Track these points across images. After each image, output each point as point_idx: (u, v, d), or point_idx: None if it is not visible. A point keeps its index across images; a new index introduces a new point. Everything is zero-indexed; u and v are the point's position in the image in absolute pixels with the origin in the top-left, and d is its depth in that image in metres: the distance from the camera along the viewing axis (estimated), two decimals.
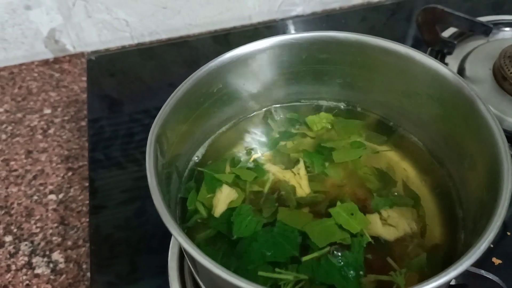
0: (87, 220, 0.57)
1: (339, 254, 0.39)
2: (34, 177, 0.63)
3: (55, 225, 0.57)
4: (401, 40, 0.44)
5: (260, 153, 0.48)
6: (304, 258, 0.39)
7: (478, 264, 0.31)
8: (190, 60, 0.77)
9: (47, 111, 0.71)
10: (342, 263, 0.38)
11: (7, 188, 0.62)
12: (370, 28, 0.82)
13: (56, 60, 0.80)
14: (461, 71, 0.63)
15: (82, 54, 0.80)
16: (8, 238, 0.57)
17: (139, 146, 0.63)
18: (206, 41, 0.81)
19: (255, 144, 0.49)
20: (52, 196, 0.60)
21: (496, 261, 0.48)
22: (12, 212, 0.59)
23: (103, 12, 0.77)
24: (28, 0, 0.72)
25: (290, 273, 0.38)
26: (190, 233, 0.42)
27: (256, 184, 0.45)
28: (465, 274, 0.32)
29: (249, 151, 0.48)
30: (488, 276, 0.37)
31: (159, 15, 0.79)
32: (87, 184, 0.61)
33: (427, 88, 0.43)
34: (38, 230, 0.57)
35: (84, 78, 0.76)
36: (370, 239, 0.39)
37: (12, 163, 0.65)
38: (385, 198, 0.43)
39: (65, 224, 0.57)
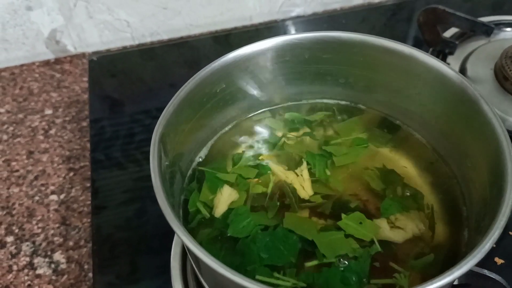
0: (89, 220, 0.57)
1: (346, 262, 0.38)
2: (36, 178, 0.63)
3: (57, 225, 0.57)
4: (402, 40, 0.44)
5: (263, 153, 0.48)
6: (307, 264, 0.38)
7: (480, 264, 0.31)
8: (191, 61, 0.77)
9: (48, 111, 0.71)
10: (345, 270, 0.38)
11: (8, 188, 0.62)
12: (371, 29, 0.82)
13: (57, 61, 0.80)
14: (462, 71, 0.64)
15: (83, 55, 0.80)
16: (10, 239, 0.56)
17: (140, 146, 0.63)
18: (207, 41, 0.81)
19: (258, 144, 0.49)
20: (54, 197, 0.60)
21: (499, 260, 0.48)
22: (14, 212, 0.59)
23: (104, 12, 0.77)
24: (29, 0, 0.72)
25: (289, 279, 0.37)
26: (192, 233, 0.42)
27: (259, 184, 0.45)
28: (469, 273, 0.32)
29: (251, 151, 0.48)
30: (491, 276, 0.37)
31: (160, 16, 0.79)
32: (88, 184, 0.61)
33: (430, 88, 0.43)
34: (39, 230, 0.57)
35: (85, 79, 0.76)
36: (379, 249, 0.39)
37: (13, 163, 0.64)
38: (394, 202, 0.42)
39: (67, 224, 0.57)
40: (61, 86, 0.75)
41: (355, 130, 0.49)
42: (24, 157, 0.65)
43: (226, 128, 0.50)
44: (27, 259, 0.54)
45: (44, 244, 0.56)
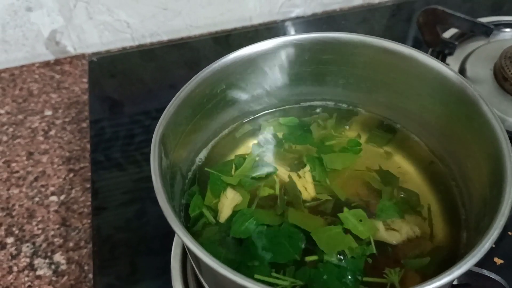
0: (89, 221, 0.57)
1: (341, 258, 0.38)
2: (36, 179, 0.63)
3: (57, 226, 0.57)
4: (401, 41, 0.44)
5: (265, 155, 0.48)
6: (307, 258, 0.39)
7: (480, 264, 0.31)
8: (191, 61, 0.77)
9: (48, 112, 0.71)
10: (341, 268, 0.38)
11: (8, 189, 0.62)
12: (371, 29, 0.82)
13: (57, 62, 0.80)
14: (462, 72, 0.64)
15: (83, 56, 0.80)
16: (10, 240, 0.56)
17: (139, 147, 0.63)
18: (206, 42, 0.81)
19: (259, 145, 0.49)
20: (54, 198, 0.60)
21: (498, 261, 0.48)
22: (14, 213, 0.59)
23: (104, 13, 0.77)
24: (29, 1, 0.73)
25: (287, 278, 0.37)
26: (194, 237, 0.42)
27: (266, 186, 0.45)
28: (468, 273, 0.32)
29: (254, 153, 0.48)
30: (490, 276, 0.37)
31: (160, 17, 0.80)
32: (88, 185, 0.61)
33: (430, 89, 0.44)
34: (39, 231, 0.57)
35: (85, 80, 0.76)
36: (374, 251, 0.39)
37: (13, 164, 0.64)
38: (390, 205, 0.43)
39: (67, 225, 0.57)
40: (61, 87, 0.75)
41: (353, 131, 0.49)
42: (24, 158, 0.65)
43: (226, 130, 0.50)
44: (27, 260, 0.55)
45: (44, 245, 0.56)
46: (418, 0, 0.85)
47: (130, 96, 0.72)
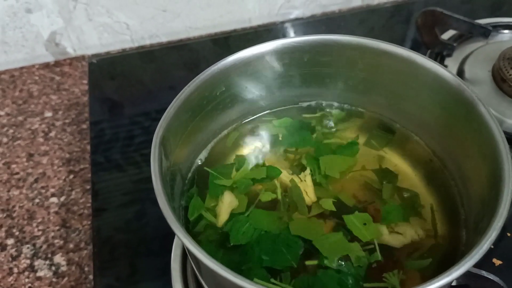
0: (89, 222, 0.57)
1: (343, 263, 0.38)
2: (36, 180, 0.63)
3: (57, 227, 0.58)
4: (400, 42, 0.44)
5: (265, 156, 0.48)
6: (308, 263, 0.39)
7: (478, 265, 0.31)
8: (190, 63, 0.78)
9: (48, 114, 0.72)
10: (341, 273, 0.38)
11: (8, 191, 0.62)
12: (369, 31, 0.82)
13: (57, 63, 0.80)
14: (460, 73, 0.64)
15: (82, 57, 0.81)
16: (10, 241, 0.57)
17: (139, 148, 0.63)
18: (206, 44, 0.82)
19: (259, 147, 0.49)
20: (54, 199, 0.61)
21: (497, 261, 0.48)
22: (14, 215, 0.59)
23: (104, 15, 0.77)
24: (29, 3, 0.73)
25: (286, 285, 0.37)
26: (192, 235, 0.42)
27: (268, 191, 0.44)
28: (467, 274, 0.32)
29: (253, 154, 0.48)
30: (489, 277, 0.37)
31: (159, 18, 0.80)
32: (88, 186, 0.61)
33: (429, 91, 0.44)
34: (40, 233, 0.57)
35: (85, 81, 0.76)
36: (380, 258, 0.39)
37: (13, 166, 0.65)
38: (396, 206, 0.43)
39: (67, 226, 0.58)
40: (60, 88, 0.76)
41: (353, 131, 0.50)
42: (24, 159, 0.65)
43: (225, 131, 0.50)
44: (28, 261, 0.55)
45: (44, 246, 0.56)
46: (417, 2, 0.86)
47: (130, 97, 0.72)
